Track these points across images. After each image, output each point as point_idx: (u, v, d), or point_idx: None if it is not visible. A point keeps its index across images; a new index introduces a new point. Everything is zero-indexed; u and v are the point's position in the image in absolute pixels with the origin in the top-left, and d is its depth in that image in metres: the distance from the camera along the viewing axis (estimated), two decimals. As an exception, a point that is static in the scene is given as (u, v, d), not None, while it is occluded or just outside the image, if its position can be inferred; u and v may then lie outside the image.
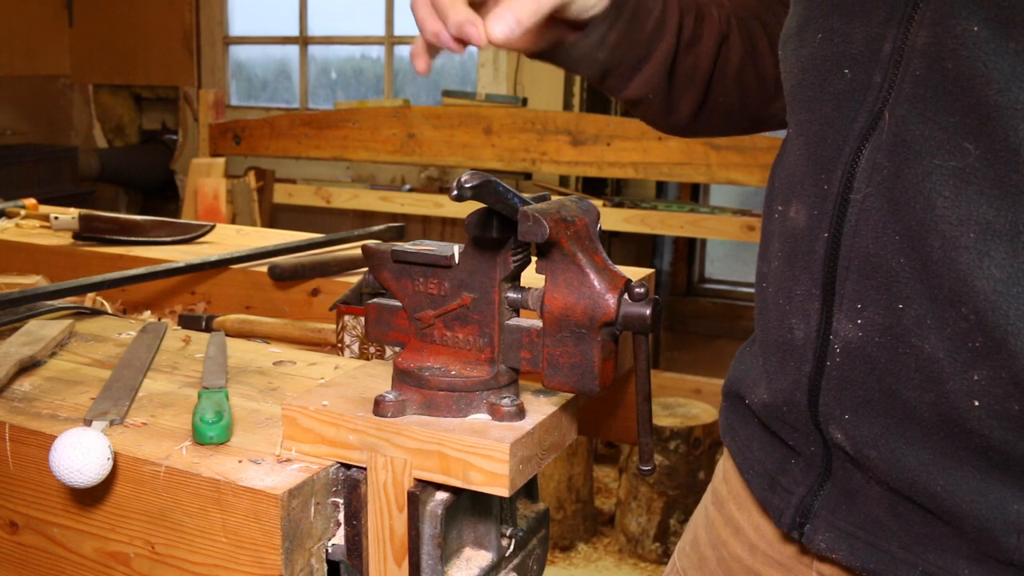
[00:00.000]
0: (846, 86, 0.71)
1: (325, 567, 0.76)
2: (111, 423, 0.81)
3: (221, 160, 3.75)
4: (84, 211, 1.62)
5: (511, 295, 0.74)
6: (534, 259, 0.73)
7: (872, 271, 0.68)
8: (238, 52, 6.03)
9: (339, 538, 0.77)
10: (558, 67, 0.87)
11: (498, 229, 0.72)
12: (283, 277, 1.36)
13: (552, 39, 0.81)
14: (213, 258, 1.39)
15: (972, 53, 0.62)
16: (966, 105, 0.62)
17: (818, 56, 0.74)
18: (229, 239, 1.63)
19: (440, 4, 0.70)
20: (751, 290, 4.73)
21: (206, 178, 3.62)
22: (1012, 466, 0.65)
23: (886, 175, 0.67)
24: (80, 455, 0.72)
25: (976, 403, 0.65)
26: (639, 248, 4.72)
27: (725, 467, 0.97)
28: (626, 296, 0.70)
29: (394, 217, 4.53)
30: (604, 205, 3.79)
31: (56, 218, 1.60)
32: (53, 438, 0.74)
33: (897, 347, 0.68)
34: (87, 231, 1.56)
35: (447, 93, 4.30)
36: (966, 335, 0.64)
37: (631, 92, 0.89)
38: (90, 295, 1.32)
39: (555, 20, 0.78)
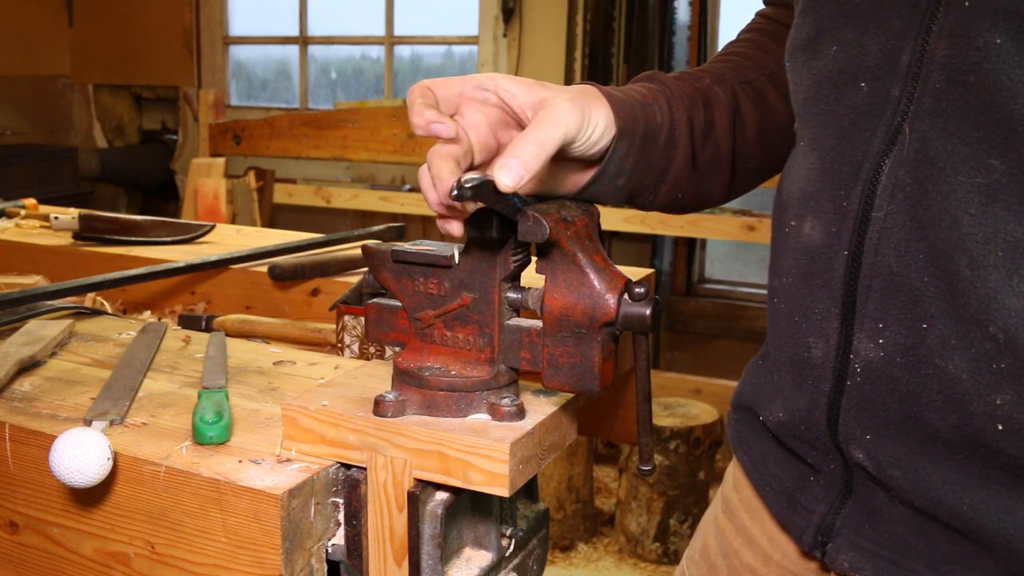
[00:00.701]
0: (863, 100, 0.69)
1: (325, 567, 0.76)
2: (111, 423, 0.81)
3: (221, 160, 3.75)
4: (84, 211, 1.62)
5: (511, 295, 0.74)
6: (534, 259, 0.73)
7: (895, 290, 0.67)
8: (238, 52, 6.02)
9: (339, 538, 0.77)
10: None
11: (498, 229, 0.72)
12: (283, 277, 1.36)
13: (570, 183, 0.81)
14: (213, 258, 1.39)
15: (995, 66, 0.60)
16: (990, 120, 0.61)
17: (832, 69, 0.72)
18: (229, 239, 1.63)
19: (437, 176, 0.71)
20: (751, 290, 4.76)
21: (206, 178, 3.62)
22: None
23: (909, 192, 0.66)
24: (80, 455, 0.72)
25: (1000, 427, 0.64)
26: (639, 248, 4.72)
27: (735, 475, 0.96)
28: (626, 296, 0.70)
29: (394, 217, 4.53)
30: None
31: (56, 218, 1.60)
32: (53, 438, 0.74)
33: (920, 367, 0.67)
34: (87, 231, 1.56)
35: (447, 93, 4.28)
36: (991, 356, 0.63)
37: (660, 202, 0.88)
38: (90, 295, 1.32)
39: (566, 161, 0.77)
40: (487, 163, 0.77)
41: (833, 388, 0.73)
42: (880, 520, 0.74)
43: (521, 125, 0.75)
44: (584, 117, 0.73)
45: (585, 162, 0.79)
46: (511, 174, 0.65)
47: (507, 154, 0.67)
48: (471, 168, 0.75)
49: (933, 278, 0.65)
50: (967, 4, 0.62)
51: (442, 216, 0.74)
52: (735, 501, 0.94)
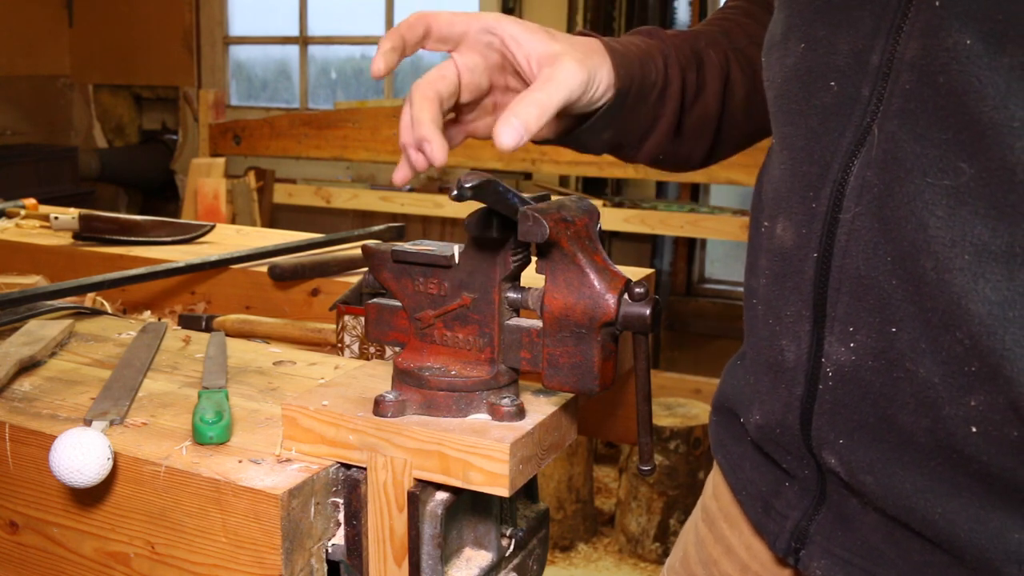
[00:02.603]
0: (832, 99, 0.68)
1: (325, 567, 0.76)
2: (111, 423, 0.81)
3: (221, 160, 3.75)
4: (84, 211, 1.62)
5: (511, 295, 0.74)
6: (534, 259, 0.73)
7: (864, 293, 0.66)
8: (238, 52, 6.03)
9: (339, 538, 0.77)
10: (565, 148, 0.87)
11: (498, 229, 0.72)
12: (283, 277, 1.36)
13: (559, 129, 0.80)
14: (213, 258, 1.39)
15: (964, 67, 0.59)
16: (959, 122, 0.60)
17: (801, 66, 0.71)
18: (229, 239, 1.63)
19: (416, 120, 0.70)
20: (751, 290, 4.75)
21: (206, 178, 3.62)
22: (1012, 494, 0.63)
23: (876, 193, 0.65)
24: (80, 455, 0.72)
25: (974, 429, 0.62)
26: (639, 248, 4.72)
27: (715, 482, 0.95)
28: (626, 296, 0.70)
29: (394, 217, 4.53)
30: (604, 205, 3.79)
31: (56, 218, 1.60)
32: (53, 438, 0.74)
33: (891, 371, 0.66)
34: (87, 231, 1.56)
35: (447, 93, 4.27)
36: (961, 360, 0.62)
37: (641, 159, 0.88)
38: (90, 295, 1.32)
39: (562, 113, 0.77)
40: (472, 104, 0.76)
41: (806, 392, 0.71)
42: (853, 527, 0.73)
43: (518, 72, 0.74)
44: (589, 78, 0.72)
45: (579, 115, 0.79)
46: (512, 134, 0.65)
47: (509, 112, 0.66)
48: (455, 108, 0.75)
49: (901, 281, 0.64)
50: (937, 4, 0.61)
51: (404, 159, 0.73)
52: (714, 509, 0.94)
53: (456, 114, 0.79)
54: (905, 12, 0.63)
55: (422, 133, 0.68)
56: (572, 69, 0.70)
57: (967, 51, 0.59)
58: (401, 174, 0.73)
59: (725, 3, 0.99)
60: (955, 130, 0.60)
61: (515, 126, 0.65)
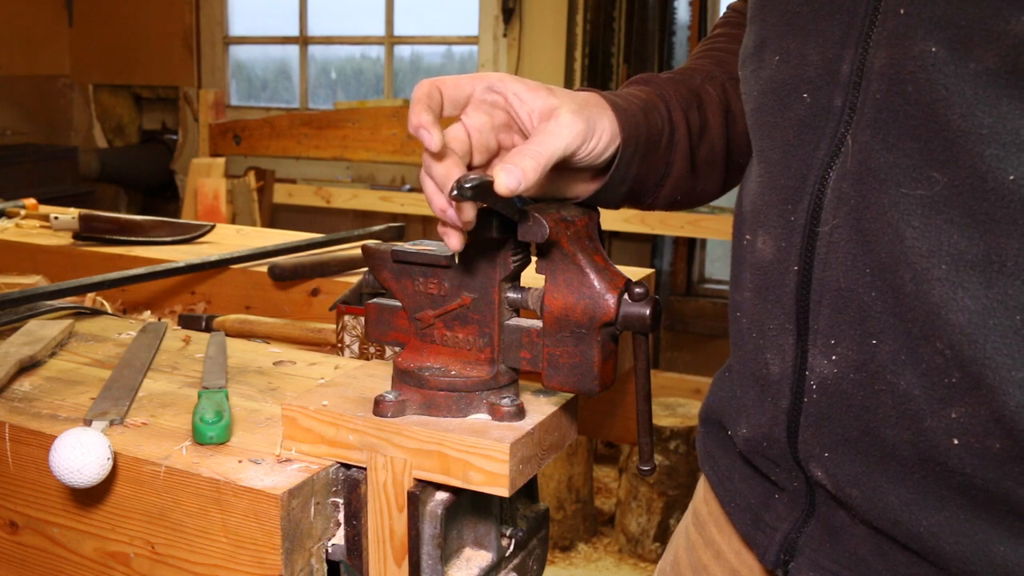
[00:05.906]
0: (806, 111, 0.68)
1: (325, 567, 0.77)
2: (111, 423, 0.81)
3: (221, 160, 3.75)
4: (84, 211, 1.62)
5: (511, 295, 0.74)
6: (534, 259, 0.73)
7: (844, 306, 0.66)
8: (238, 52, 6.03)
9: (339, 538, 0.77)
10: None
11: (498, 229, 0.72)
12: (283, 277, 1.36)
13: (576, 191, 0.80)
14: (213, 258, 1.40)
15: (931, 76, 0.59)
16: (929, 131, 0.60)
17: (776, 79, 0.71)
18: (229, 239, 1.64)
19: (447, 177, 0.69)
20: (751, 290, 4.75)
21: (206, 178, 3.62)
22: (997, 505, 0.63)
23: (853, 205, 0.65)
24: (80, 455, 0.72)
25: (955, 441, 0.62)
26: (639, 248, 4.72)
27: (705, 487, 0.95)
28: (626, 296, 0.70)
29: (394, 217, 4.53)
30: (604, 205, 3.78)
31: (56, 218, 1.60)
32: (53, 438, 0.74)
33: (872, 384, 0.66)
34: (87, 231, 1.56)
35: (447, 93, 4.27)
36: (942, 371, 0.62)
37: (660, 204, 0.88)
38: (90, 295, 1.32)
39: (573, 171, 0.77)
40: (485, 165, 0.77)
41: (791, 405, 0.71)
42: (841, 539, 0.73)
43: (523, 130, 0.75)
44: (588, 129, 0.72)
45: (592, 170, 0.79)
46: (511, 178, 0.65)
47: (507, 160, 0.67)
48: (469, 169, 0.75)
49: (880, 293, 0.64)
50: (903, 12, 0.61)
51: (444, 224, 0.72)
52: (704, 514, 0.93)
53: None
54: (872, 20, 0.63)
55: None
56: (568, 121, 0.71)
57: (933, 59, 0.59)
58: (453, 240, 0.71)
59: (711, 32, 0.99)
60: (926, 139, 0.60)
61: (513, 172, 0.66)
